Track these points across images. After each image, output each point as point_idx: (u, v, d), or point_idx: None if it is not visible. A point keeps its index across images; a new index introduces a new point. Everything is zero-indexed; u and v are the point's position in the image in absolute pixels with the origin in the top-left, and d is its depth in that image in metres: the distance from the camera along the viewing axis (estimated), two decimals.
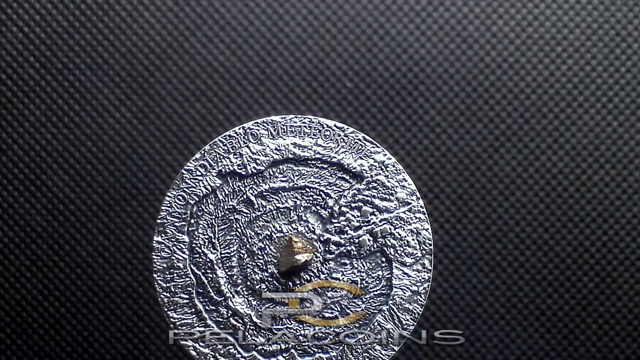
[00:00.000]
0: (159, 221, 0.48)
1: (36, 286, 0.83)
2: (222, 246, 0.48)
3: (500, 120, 0.82)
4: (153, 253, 0.48)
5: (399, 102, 0.82)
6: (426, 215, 0.43)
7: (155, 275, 0.48)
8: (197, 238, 0.48)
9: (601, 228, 0.82)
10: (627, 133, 0.82)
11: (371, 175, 0.44)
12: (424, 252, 0.42)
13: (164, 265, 0.48)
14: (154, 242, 0.48)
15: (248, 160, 0.47)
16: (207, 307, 0.48)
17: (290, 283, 0.46)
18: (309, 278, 0.45)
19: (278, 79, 0.82)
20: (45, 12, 0.82)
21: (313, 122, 0.46)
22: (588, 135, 0.82)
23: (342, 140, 0.45)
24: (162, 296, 0.48)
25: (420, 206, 0.43)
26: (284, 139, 0.47)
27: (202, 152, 0.48)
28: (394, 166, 0.44)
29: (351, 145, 0.45)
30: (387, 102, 0.82)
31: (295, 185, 0.46)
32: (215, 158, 0.48)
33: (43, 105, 0.82)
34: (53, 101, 0.82)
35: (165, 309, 0.48)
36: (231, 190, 0.48)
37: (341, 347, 0.45)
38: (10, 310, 0.83)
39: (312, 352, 0.46)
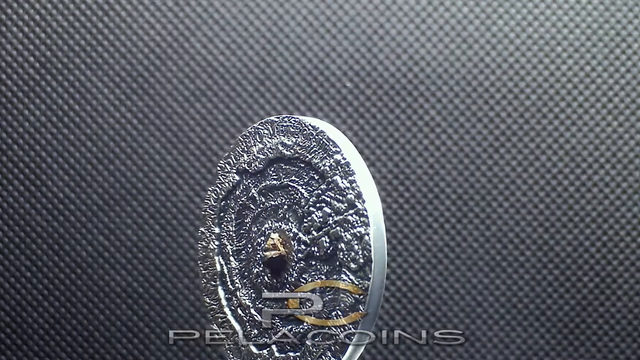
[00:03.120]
0: (202, 213, 0.52)
1: (36, 286, 0.83)
2: (236, 239, 0.50)
3: (500, 120, 0.82)
4: (198, 241, 0.52)
5: (399, 102, 0.82)
6: (369, 220, 0.42)
7: (198, 262, 0.52)
8: (223, 230, 0.50)
9: (601, 228, 0.82)
10: (627, 133, 0.82)
11: (330, 176, 0.45)
12: (365, 258, 0.42)
13: (203, 253, 0.51)
14: (199, 232, 0.52)
15: (252, 159, 0.49)
16: (226, 296, 0.50)
17: (274, 279, 0.47)
18: (286, 277, 0.46)
19: (278, 79, 0.82)
20: (45, 12, 0.82)
21: (295, 121, 0.47)
22: (588, 135, 0.82)
23: (314, 139, 0.46)
24: (202, 281, 0.51)
25: (365, 209, 0.42)
26: (276, 139, 0.48)
27: (230, 149, 0.50)
28: (348, 166, 0.44)
29: (320, 144, 0.45)
30: (387, 102, 0.82)
31: (282, 184, 0.48)
32: (236, 155, 0.50)
33: (43, 105, 0.82)
34: (53, 101, 0.82)
35: (203, 294, 0.51)
36: (244, 187, 0.50)
37: (303, 348, 0.46)
38: (10, 310, 0.83)
39: (286, 349, 0.47)
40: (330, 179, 0.44)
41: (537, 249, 0.82)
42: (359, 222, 0.42)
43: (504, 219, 0.82)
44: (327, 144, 0.45)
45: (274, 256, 0.46)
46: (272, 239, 0.47)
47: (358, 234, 0.42)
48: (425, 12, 0.82)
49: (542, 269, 0.82)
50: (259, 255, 0.48)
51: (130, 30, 0.82)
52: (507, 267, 0.82)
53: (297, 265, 0.46)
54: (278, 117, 0.48)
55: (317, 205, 0.45)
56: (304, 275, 0.45)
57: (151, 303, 0.83)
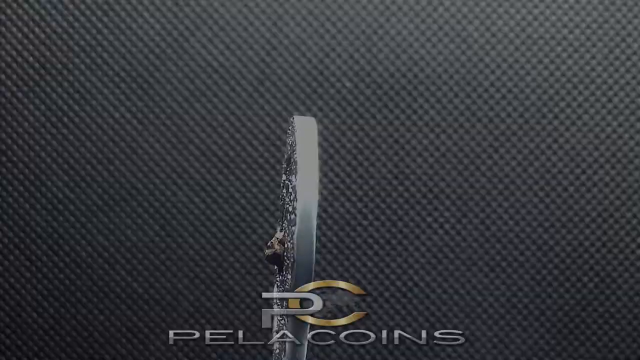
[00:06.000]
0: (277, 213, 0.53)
1: (36, 286, 0.83)
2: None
3: (500, 120, 0.82)
4: (274, 237, 0.53)
5: (398, 102, 0.82)
6: (297, 220, 0.42)
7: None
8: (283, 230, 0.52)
9: (601, 228, 0.82)
10: (627, 133, 0.82)
11: (293, 174, 0.45)
12: (293, 257, 0.42)
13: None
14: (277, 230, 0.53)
15: (286, 159, 0.50)
16: (278, 289, 0.51)
17: (281, 277, 0.48)
18: (282, 275, 0.47)
19: (278, 79, 0.82)
20: (45, 12, 0.82)
21: (291, 122, 0.48)
22: (588, 135, 0.82)
23: (295, 137, 0.46)
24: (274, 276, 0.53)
25: (294, 209, 0.43)
26: (289, 139, 0.49)
27: (287, 149, 0.51)
28: (295, 165, 0.44)
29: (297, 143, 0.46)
30: (387, 102, 0.82)
31: (286, 183, 0.48)
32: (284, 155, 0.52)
33: (43, 105, 0.82)
34: (53, 101, 0.82)
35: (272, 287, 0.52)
36: (287, 186, 0.51)
37: (280, 346, 0.46)
38: (10, 310, 0.83)
39: (276, 348, 0.48)
40: (292, 178, 0.45)
41: (537, 249, 0.82)
42: (294, 220, 0.42)
43: (504, 219, 0.82)
44: (295, 144, 0.45)
45: (269, 254, 0.46)
46: (273, 236, 0.47)
47: (293, 232, 0.42)
48: (425, 12, 0.82)
49: (542, 269, 0.82)
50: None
51: (130, 31, 0.82)
52: (507, 267, 0.82)
53: (286, 263, 0.46)
54: (293, 117, 0.49)
55: (292, 204, 0.45)
56: (288, 274, 0.46)
57: (151, 303, 0.83)
